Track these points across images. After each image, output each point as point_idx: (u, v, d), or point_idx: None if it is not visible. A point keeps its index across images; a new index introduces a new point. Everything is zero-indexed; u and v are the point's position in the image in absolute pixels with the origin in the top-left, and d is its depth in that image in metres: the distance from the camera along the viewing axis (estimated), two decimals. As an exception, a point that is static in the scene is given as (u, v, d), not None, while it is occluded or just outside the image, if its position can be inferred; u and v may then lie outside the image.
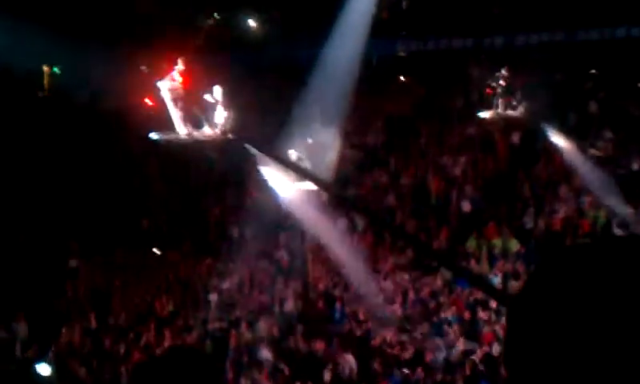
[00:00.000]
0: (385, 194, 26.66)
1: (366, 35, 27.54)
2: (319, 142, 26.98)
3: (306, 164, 21.89)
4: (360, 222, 25.50)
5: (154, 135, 20.34)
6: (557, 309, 1.14)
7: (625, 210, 23.00)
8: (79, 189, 28.46)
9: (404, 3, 31.47)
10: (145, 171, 29.71)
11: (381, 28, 28.31)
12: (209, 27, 33.11)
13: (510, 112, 22.77)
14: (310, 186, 20.76)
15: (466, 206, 25.17)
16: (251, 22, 32.80)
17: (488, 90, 22.69)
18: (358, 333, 21.22)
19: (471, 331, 20.06)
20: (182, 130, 19.09)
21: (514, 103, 22.66)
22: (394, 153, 28.23)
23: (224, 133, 18.99)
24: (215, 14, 33.24)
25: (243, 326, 21.82)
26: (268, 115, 29.66)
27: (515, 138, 26.71)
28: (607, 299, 1.11)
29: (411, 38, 30.19)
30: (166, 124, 19.93)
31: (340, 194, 25.37)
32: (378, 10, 28.21)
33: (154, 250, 26.35)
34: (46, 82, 30.82)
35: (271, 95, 30.91)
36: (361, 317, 21.60)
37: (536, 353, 1.15)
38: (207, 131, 19.26)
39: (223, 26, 33.00)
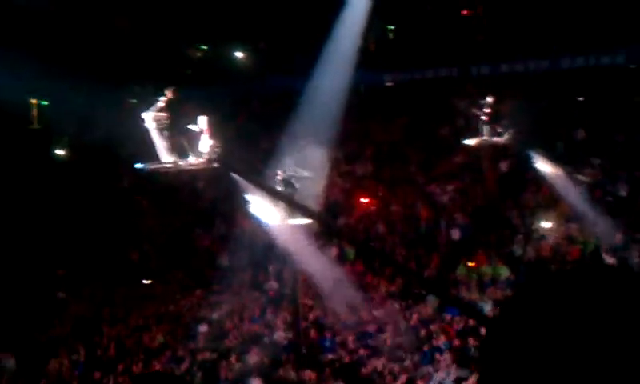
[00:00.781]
0: (374, 223, 26.66)
1: (354, 66, 27.69)
2: (308, 171, 27.00)
3: (296, 185, 21.86)
4: (350, 251, 25.48)
5: (139, 165, 20.30)
6: (529, 335, 1.13)
7: (613, 237, 23.05)
8: (68, 221, 28.38)
9: (390, 34, 31.71)
10: (134, 203, 29.66)
11: (368, 59, 28.49)
12: (196, 58, 33.27)
13: (495, 139, 22.87)
14: (299, 218, 20.72)
15: (456, 234, 25.20)
16: (238, 53, 32.95)
17: (474, 118, 22.82)
18: (349, 361, 21.10)
19: (463, 359, 19.97)
20: (167, 159, 19.05)
21: (500, 130, 22.76)
22: (383, 181, 28.27)
23: (209, 162, 18.95)
24: (202, 45, 33.42)
25: (233, 356, 21.68)
26: (255, 144, 29.75)
27: (503, 165, 26.82)
28: (578, 327, 1.10)
29: (398, 68, 30.40)
30: (152, 154, 19.90)
31: (330, 223, 25.36)
32: (366, 41, 28.40)
33: (144, 281, 26.22)
34: (34, 114, 30.84)
35: (258, 125, 31.02)
36: (351, 346, 21.51)
37: (508, 377, 1.15)
38: (192, 160, 19.21)
39: (210, 57, 33.16)
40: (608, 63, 27.61)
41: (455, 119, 28.23)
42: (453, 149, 27.58)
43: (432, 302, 22.12)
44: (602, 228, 23.32)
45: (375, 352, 21.05)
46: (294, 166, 22.32)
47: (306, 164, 25.03)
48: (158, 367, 21.52)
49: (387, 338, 21.50)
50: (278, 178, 20.83)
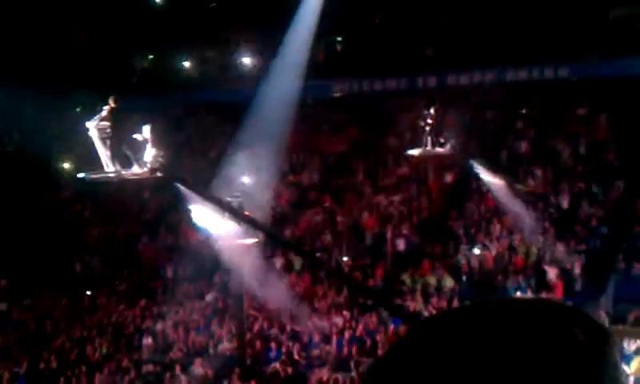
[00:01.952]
0: (321, 233, 26.67)
1: (302, 76, 27.76)
2: (254, 181, 26.95)
3: (243, 205, 21.76)
4: (296, 262, 25.44)
5: (81, 175, 20.04)
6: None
7: (555, 248, 23.35)
8: (10, 232, 27.91)
9: (338, 46, 31.85)
10: (77, 213, 29.29)
11: (316, 70, 28.57)
12: (142, 67, 33.04)
13: (437, 149, 23.07)
14: (246, 235, 20.61)
15: (401, 244, 25.32)
16: (185, 63, 32.80)
17: (419, 129, 23.02)
18: (293, 372, 21.05)
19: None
20: (110, 168, 18.82)
21: (442, 141, 22.97)
22: (330, 192, 28.31)
23: (152, 171, 18.76)
24: (149, 54, 33.20)
25: (177, 368, 21.49)
26: (201, 155, 29.61)
27: (448, 176, 27.06)
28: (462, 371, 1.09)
29: (346, 79, 30.52)
30: (96, 163, 19.67)
31: (276, 234, 25.31)
32: (314, 52, 28.49)
33: (87, 292, 25.88)
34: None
35: (205, 135, 30.89)
36: (296, 356, 21.46)
37: None
38: (136, 170, 19.01)
39: (157, 66, 32.97)
40: (551, 76, 28.07)
41: (402, 130, 28.41)
42: (399, 160, 27.77)
43: (380, 312, 22.18)
44: (544, 239, 23.63)
45: (320, 362, 21.04)
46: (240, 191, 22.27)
47: (252, 173, 25.02)
48: (99, 379, 21.26)
49: (332, 348, 21.50)
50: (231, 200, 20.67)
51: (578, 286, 22.42)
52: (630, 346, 17.94)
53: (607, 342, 1.15)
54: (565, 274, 22.53)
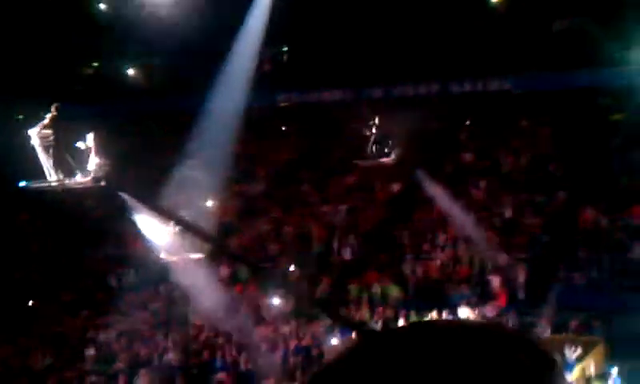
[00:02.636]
0: (267, 243, 26.63)
1: (248, 86, 27.70)
2: (200, 191, 26.82)
3: (188, 217, 21.64)
4: (242, 271, 25.36)
5: (23, 183, 19.72)
6: None
7: (499, 257, 23.66)
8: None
9: (284, 56, 31.87)
10: (18, 222, 28.80)
11: (262, 79, 28.54)
12: (87, 74, 32.67)
13: (382, 159, 23.27)
14: (193, 250, 20.48)
15: (347, 254, 25.42)
16: (130, 71, 32.51)
17: (365, 139, 23.19)
18: (239, 381, 20.98)
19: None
20: (53, 177, 18.56)
21: (386, 150, 23.17)
22: (277, 201, 28.30)
23: (96, 180, 18.55)
24: (94, 62, 32.83)
25: (122, 379, 21.26)
26: (146, 163, 29.35)
27: (394, 186, 27.25)
28: None
29: (292, 89, 30.53)
30: (38, 172, 19.39)
31: (222, 244, 25.20)
32: (260, 62, 28.47)
33: (29, 302, 25.43)
34: None
35: (150, 143, 30.63)
36: (242, 366, 21.39)
37: None
38: (79, 178, 18.78)
39: (102, 74, 32.61)
40: (495, 89, 28.41)
41: (348, 140, 28.52)
42: (345, 169, 27.90)
43: (325, 321, 22.22)
44: (487, 248, 23.92)
45: (266, 371, 20.99)
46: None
47: (198, 199, 24.86)
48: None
49: (278, 357, 21.48)
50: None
51: (521, 295, 22.74)
52: (571, 354, 18.25)
53: (552, 368, 1.15)
54: (508, 283, 22.83)
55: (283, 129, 31.27)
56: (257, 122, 29.66)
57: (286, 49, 31.98)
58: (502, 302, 22.35)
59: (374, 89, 29.31)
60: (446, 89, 28.66)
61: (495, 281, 22.89)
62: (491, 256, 23.75)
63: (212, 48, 28.68)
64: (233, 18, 27.64)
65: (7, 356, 22.83)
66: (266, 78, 29.44)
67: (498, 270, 23.34)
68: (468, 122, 29.13)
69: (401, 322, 22.01)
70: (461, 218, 24.65)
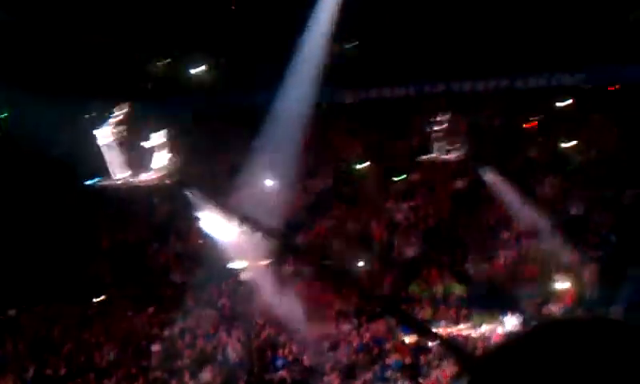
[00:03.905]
0: (331, 240, 26.58)
1: (317, 83, 27.76)
2: (267, 188, 26.98)
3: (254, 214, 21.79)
4: (306, 269, 25.39)
5: (91, 181, 20.15)
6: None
7: (568, 255, 23.20)
8: (21, 236, 28.03)
9: (350, 53, 31.78)
10: (89, 219, 29.35)
11: (329, 76, 28.54)
12: (156, 73, 33.09)
13: (446, 156, 23.05)
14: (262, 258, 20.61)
15: (410, 252, 25.22)
16: (199, 68, 32.80)
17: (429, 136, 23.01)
18: (301, 380, 21.05)
19: (414, 376, 20.00)
20: (121, 174, 18.91)
21: (450, 147, 22.94)
22: (341, 199, 28.25)
23: (162, 178, 18.83)
24: (163, 60, 33.24)
25: (186, 375, 21.52)
26: (213, 161, 29.62)
27: (459, 183, 26.92)
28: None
29: (357, 86, 30.46)
30: (107, 169, 19.79)
31: (286, 241, 25.29)
32: (326, 59, 28.48)
33: (96, 299, 25.90)
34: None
35: (217, 141, 30.88)
36: (304, 363, 21.45)
37: None
38: (146, 176, 19.08)
39: (170, 72, 32.99)
40: (564, 83, 27.87)
41: (412, 137, 28.31)
42: (408, 167, 27.67)
43: (388, 320, 22.16)
44: (556, 246, 23.48)
45: (328, 370, 21.01)
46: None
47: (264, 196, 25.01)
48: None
49: (340, 355, 21.48)
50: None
51: (588, 295, 22.26)
52: None
53: None
54: (576, 283, 22.38)
55: (349, 126, 31.18)
56: (323, 118, 29.66)
57: (351, 45, 31.88)
58: (568, 301, 21.92)
59: (438, 85, 29.04)
60: (512, 84, 28.23)
61: (562, 280, 22.45)
62: (558, 254, 23.31)
63: (279, 44, 28.82)
64: (300, 14, 27.75)
65: (73, 351, 23.31)
66: (332, 74, 29.43)
67: (565, 268, 22.89)
68: (536, 118, 28.58)
69: (463, 322, 21.81)
70: (527, 215, 24.24)
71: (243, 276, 21.44)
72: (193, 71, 32.49)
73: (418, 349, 20.70)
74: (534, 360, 1.12)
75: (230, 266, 20.79)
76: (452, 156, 23.15)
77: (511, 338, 1.20)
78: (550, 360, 1.11)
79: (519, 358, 1.14)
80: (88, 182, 20.99)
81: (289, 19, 28.05)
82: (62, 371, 22.33)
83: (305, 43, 28.02)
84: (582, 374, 1.09)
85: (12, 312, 25.61)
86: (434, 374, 19.70)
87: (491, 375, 1.16)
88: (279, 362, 21.78)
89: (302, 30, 27.98)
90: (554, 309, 21.63)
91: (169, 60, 33.17)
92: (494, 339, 20.49)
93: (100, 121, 23.67)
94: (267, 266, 20.98)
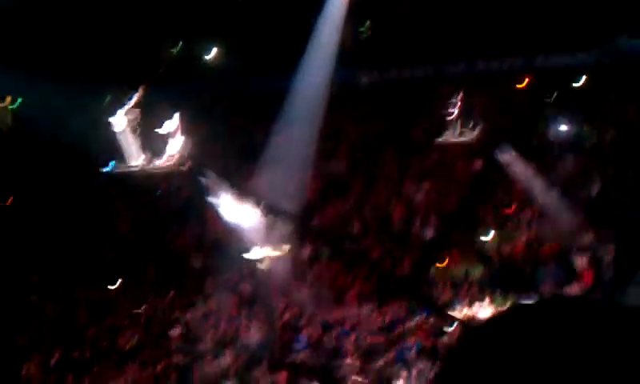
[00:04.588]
0: (349, 222, 26.62)
1: (333, 64, 27.71)
2: (283, 171, 26.99)
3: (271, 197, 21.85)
4: (324, 251, 25.45)
5: (108, 166, 20.22)
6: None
7: (584, 236, 23.15)
8: (40, 223, 28.20)
9: (365, 33, 31.66)
10: (107, 204, 29.48)
11: (342, 57, 28.46)
12: (170, 57, 33.07)
13: (465, 136, 23.00)
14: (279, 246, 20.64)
15: (429, 233, 25.22)
16: (212, 52, 32.76)
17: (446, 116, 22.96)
18: (323, 362, 21.15)
19: (434, 358, 20.05)
20: (138, 159, 18.95)
21: (470, 127, 22.87)
22: (357, 180, 28.24)
23: (179, 163, 18.86)
24: (176, 44, 33.21)
25: (207, 358, 21.65)
26: (229, 145, 29.64)
27: (477, 164, 26.84)
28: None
29: (372, 66, 30.34)
30: (123, 155, 19.85)
31: (304, 223, 25.34)
32: (341, 39, 28.40)
33: (117, 283, 26.06)
34: (6, 114, 30.61)
35: (233, 125, 30.90)
36: (324, 345, 21.55)
37: None
38: (163, 160, 19.13)
39: (184, 56, 32.95)
40: (581, 61, 27.70)
41: (429, 118, 28.23)
42: (427, 147, 27.62)
43: (408, 301, 22.22)
44: (573, 226, 23.43)
45: (348, 352, 21.10)
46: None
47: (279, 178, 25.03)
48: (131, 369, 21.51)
49: (360, 337, 21.55)
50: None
51: (608, 275, 22.21)
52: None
53: None
54: (595, 262, 22.33)
55: (364, 107, 31.10)
56: (337, 100, 29.60)
57: (366, 25, 31.75)
58: (588, 281, 21.89)
59: (456, 64, 28.90)
60: (531, 63, 28.07)
61: (581, 260, 22.40)
62: (577, 234, 23.26)
63: (295, 26, 28.74)
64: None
65: (96, 335, 23.49)
66: (346, 56, 29.34)
67: (584, 248, 22.84)
68: (553, 96, 28.42)
69: (485, 302, 21.85)
70: (546, 194, 24.19)
71: (261, 266, 21.50)
72: (208, 55, 32.47)
73: (438, 331, 20.74)
74: (502, 344, 1.13)
75: (248, 256, 20.83)
76: (470, 136, 23.09)
77: (486, 321, 1.22)
78: (515, 343, 1.12)
79: (489, 341, 1.15)
80: (104, 169, 21.06)
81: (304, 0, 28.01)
82: (87, 355, 22.51)
83: (321, 24, 27.95)
84: (549, 356, 1.09)
85: (34, 298, 25.83)
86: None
87: (461, 359, 1.17)
88: (300, 345, 21.88)
89: (318, 10, 27.91)
90: (574, 289, 21.61)
91: (183, 43, 33.15)
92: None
93: (115, 107, 23.71)
94: (285, 254, 20.99)
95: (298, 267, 24.25)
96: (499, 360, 1.12)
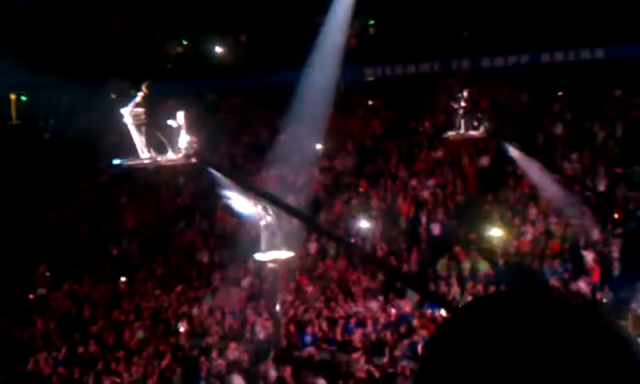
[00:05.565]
0: (355, 218, 26.61)
1: (339, 61, 27.75)
2: (291, 166, 27.03)
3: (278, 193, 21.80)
4: (331, 247, 25.46)
5: (117, 161, 20.19)
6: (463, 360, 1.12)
7: (592, 231, 23.13)
8: (48, 217, 28.26)
9: (371, 30, 31.68)
10: (114, 199, 29.55)
11: (349, 54, 28.50)
12: (177, 52, 33.14)
13: (471, 132, 22.97)
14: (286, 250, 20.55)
15: (436, 229, 25.21)
16: (218, 48, 32.82)
17: (453, 112, 22.94)
18: (329, 357, 21.13)
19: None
20: (145, 154, 18.91)
21: (476, 123, 22.84)
22: (365, 176, 28.25)
23: (187, 157, 18.82)
24: (183, 40, 33.29)
25: (214, 352, 21.65)
26: (236, 140, 29.70)
27: (484, 160, 26.86)
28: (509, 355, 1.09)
29: (379, 62, 30.37)
30: (131, 149, 19.82)
31: (311, 219, 25.32)
32: (347, 36, 28.44)
33: (124, 277, 26.10)
34: (13, 110, 30.70)
35: (241, 120, 30.96)
36: (331, 340, 21.54)
37: None
38: (170, 156, 19.09)
39: (191, 51, 33.03)
40: (588, 58, 27.73)
41: (436, 113, 28.26)
42: (433, 143, 27.65)
43: (414, 297, 22.17)
44: (580, 222, 23.41)
45: (355, 347, 21.08)
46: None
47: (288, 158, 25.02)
48: (138, 363, 21.49)
49: (367, 333, 21.53)
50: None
51: (615, 271, 22.19)
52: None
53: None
54: (602, 259, 22.30)
55: (371, 103, 31.13)
56: (344, 96, 29.63)
57: (372, 22, 31.78)
58: (595, 277, 21.87)
59: (462, 60, 28.94)
60: (537, 59, 28.10)
61: (589, 256, 22.37)
62: (584, 230, 23.24)
63: (301, 23, 28.78)
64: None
65: (103, 330, 23.50)
66: (353, 52, 29.36)
67: (591, 244, 22.82)
68: (560, 93, 28.44)
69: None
70: (553, 191, 24.17)
71: (268, 261, 21.45)
72: (216, 50, 32.52)
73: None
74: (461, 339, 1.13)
75: (255, 252, 20.79)
76: (477, 132, 23.07)
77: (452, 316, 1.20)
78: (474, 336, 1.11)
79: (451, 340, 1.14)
80: (114, 162, 21.06)
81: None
82: (93, 350, 22.50)
83: (328, 20, 27.99)
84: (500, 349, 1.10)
85: (42, 291, 25.86)
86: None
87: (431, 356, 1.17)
88: (307, 339, 21.87)
89: (326, 7, 27.95)
90: (581, 285, 21.59)
91: (190, 39, 33.22)
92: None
93: (124, 101, 23.67)
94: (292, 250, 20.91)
95: (305, 263, 24.28)
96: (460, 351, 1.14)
